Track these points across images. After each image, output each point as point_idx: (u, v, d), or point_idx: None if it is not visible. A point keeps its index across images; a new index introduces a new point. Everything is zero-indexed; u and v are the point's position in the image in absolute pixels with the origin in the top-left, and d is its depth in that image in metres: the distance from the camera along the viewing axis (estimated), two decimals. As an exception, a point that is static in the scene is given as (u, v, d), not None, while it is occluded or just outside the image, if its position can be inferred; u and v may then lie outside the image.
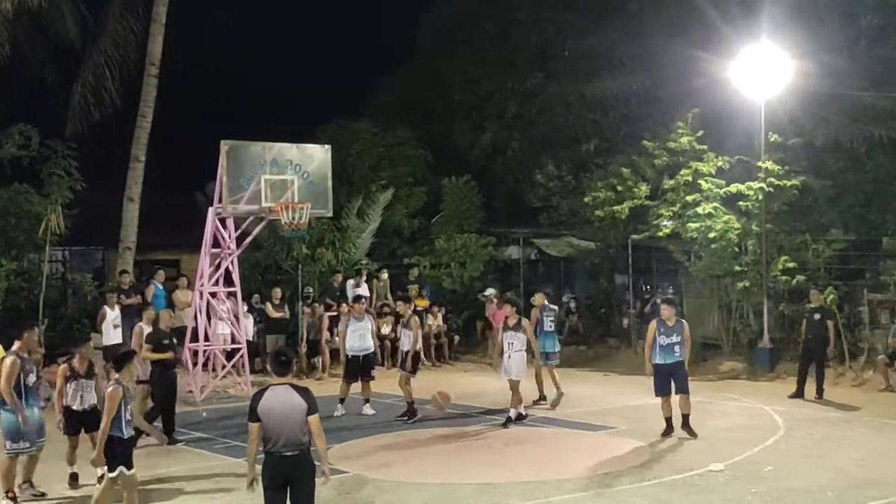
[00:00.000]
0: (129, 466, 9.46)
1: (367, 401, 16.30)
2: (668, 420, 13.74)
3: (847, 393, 17.64)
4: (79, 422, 11.14)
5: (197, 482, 11.58)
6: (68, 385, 11.07)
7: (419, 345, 16.47)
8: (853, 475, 11.35)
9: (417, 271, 24.26)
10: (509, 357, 15.03)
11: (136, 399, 13.05)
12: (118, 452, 9.39)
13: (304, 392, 8.07)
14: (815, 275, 19.92)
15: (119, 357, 10.05)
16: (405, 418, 15.52)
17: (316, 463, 8.19)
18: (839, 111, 20.27)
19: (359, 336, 16.19)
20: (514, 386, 14.98)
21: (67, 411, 11.11)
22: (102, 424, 9.34)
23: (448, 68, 28.57)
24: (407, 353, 15.97)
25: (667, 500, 10.47)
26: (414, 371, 16.00)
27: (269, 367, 9.43)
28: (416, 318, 16.58)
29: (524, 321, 15.32)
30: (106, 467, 9.49)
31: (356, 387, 16.27)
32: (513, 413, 15.00)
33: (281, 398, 7.96)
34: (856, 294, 19.98)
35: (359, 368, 16.19)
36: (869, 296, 19.72)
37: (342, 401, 16.04)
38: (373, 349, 16.45)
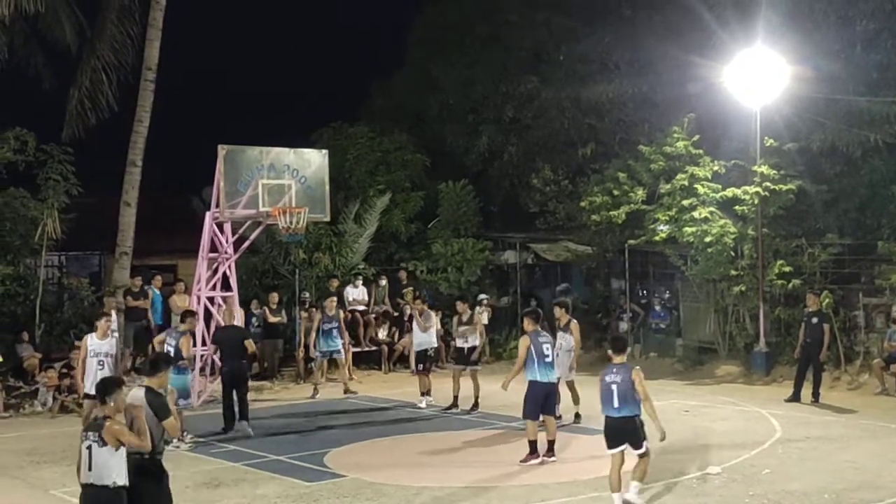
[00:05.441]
0: None
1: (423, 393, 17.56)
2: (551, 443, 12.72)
3: (843, 396, 17.69)
4: None
5: (194, 488, 11.56)
6: None
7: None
8: (849, 478, 11.39)
9: (405, 274, 24.26)
10: (556, 356, 15.16)
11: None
12: None
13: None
14: (810, 279, 19.93)
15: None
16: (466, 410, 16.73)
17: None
18: (835, 116, 20.27)
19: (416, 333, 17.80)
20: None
21: None
22: None
23: (441, 72, 28.55)
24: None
25: (664, 503, 10.48)
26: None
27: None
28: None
29: (573, 322, 15.44)
30: None
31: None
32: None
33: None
34: (851, 298, 19.99)
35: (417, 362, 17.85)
36: (864, 300, 19.73)
37: (427, 393, 17.54)
38: (424, 346, 17.54)
